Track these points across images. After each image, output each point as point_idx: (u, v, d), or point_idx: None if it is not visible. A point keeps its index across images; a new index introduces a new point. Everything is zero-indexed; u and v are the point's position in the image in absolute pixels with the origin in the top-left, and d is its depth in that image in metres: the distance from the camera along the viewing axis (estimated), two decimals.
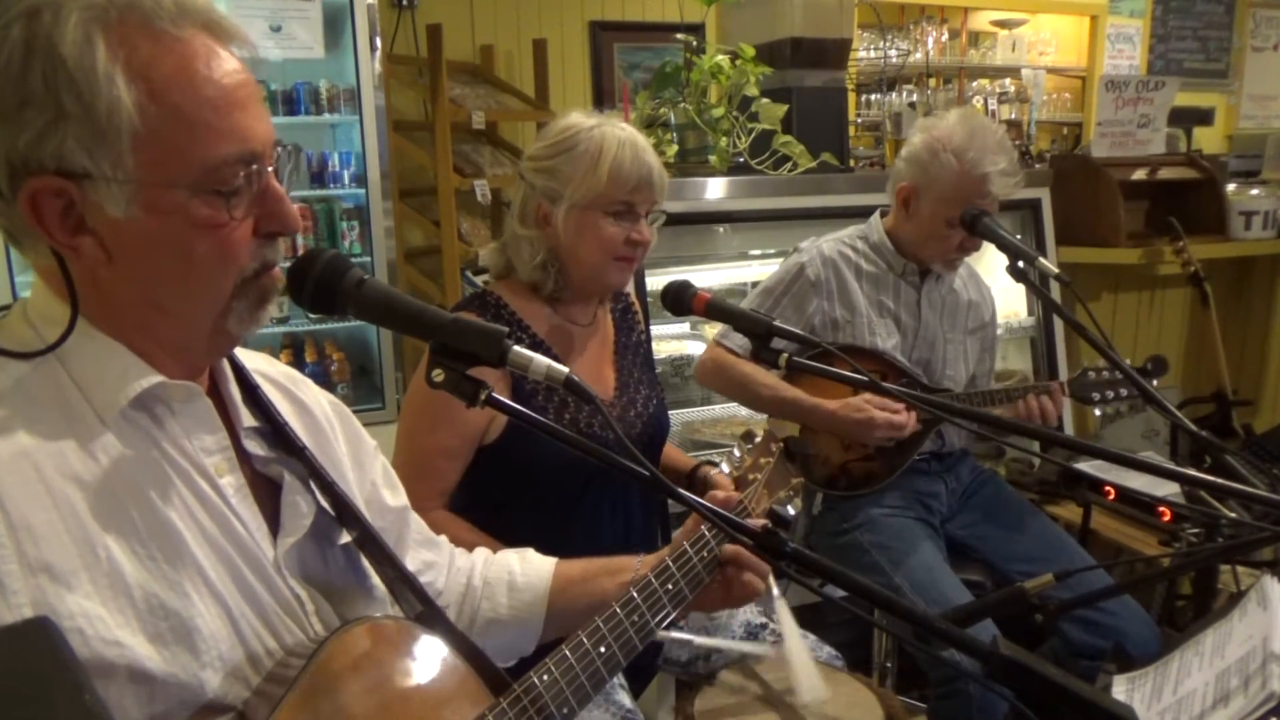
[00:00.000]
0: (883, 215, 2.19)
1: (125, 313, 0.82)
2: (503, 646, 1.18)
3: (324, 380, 3.85)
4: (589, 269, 1.58)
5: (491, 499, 1.55)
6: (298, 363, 3.88)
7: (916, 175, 2.05)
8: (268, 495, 0.91)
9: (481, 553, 1.24)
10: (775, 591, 1.54)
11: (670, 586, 1.10)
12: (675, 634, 1.37)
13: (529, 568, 1.21)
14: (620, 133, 1.54)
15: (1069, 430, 3.10)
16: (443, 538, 1.21)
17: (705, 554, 1.16)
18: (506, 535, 1.32)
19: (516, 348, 0.86)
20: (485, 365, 0.86)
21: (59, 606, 0.72)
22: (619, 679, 1.49)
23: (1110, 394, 2.08)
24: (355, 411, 1.10)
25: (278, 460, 0.92)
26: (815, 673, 1.37)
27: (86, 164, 0.75)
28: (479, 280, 2.44)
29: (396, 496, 1.11)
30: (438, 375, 0.86)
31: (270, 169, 0.83)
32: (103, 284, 0.80)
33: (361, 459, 1.06)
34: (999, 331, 2.50)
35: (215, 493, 0.85)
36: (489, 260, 1.68)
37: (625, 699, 1.47)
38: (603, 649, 1.00)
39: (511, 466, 1.53)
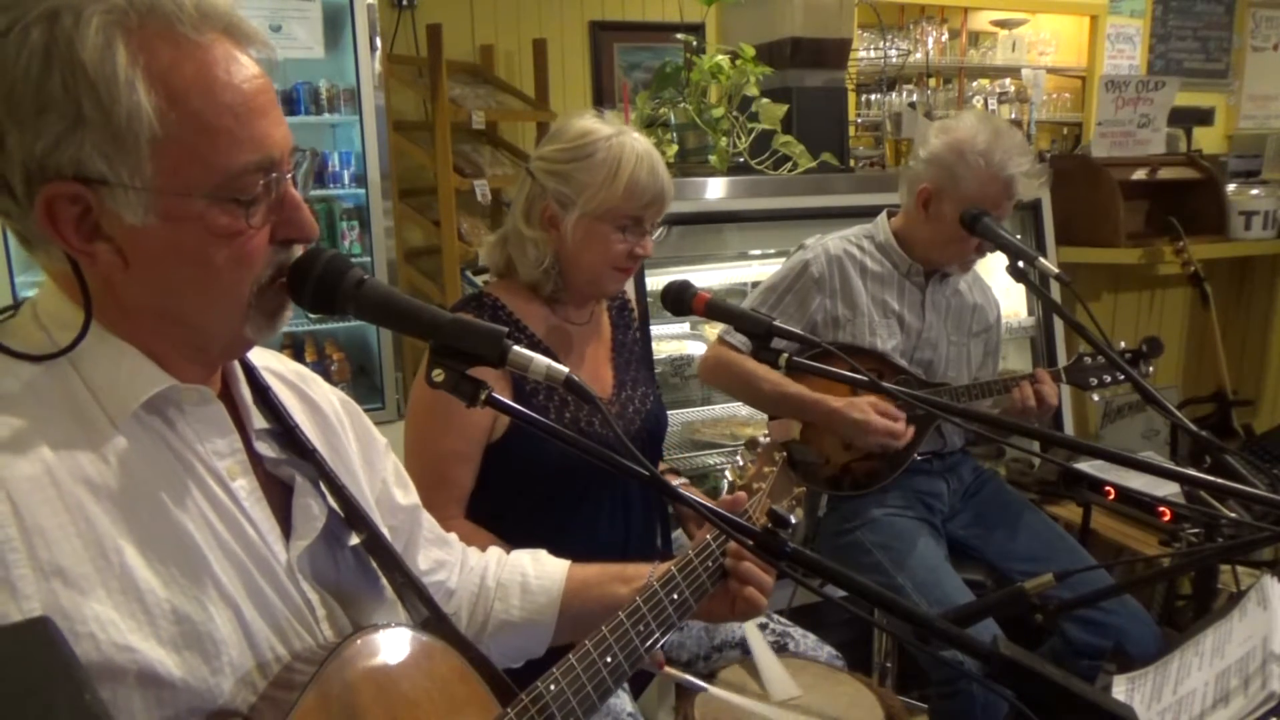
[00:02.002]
0: (890, 215, 2.19)
1: (139, 317, 0.81)
2: (514, 648, 1.18)
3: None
4: (588, 276, 1.58)
5: (491, 498, 1.55)
6: (297, 362, 3.89)
7: (939, 177, 2.02)
8: (279, 497, 0.90)
9: (494, 553, 1.24)
10: None
11: (675, 596, 1.10)
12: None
13: (542, 570, 1.20)
14: (638, 145, 1.54)
15: (1069, 430, 3.10)
16: (453, 536, 1.20)
17: (711, 563, 1.15)
18: (505, 535, 1.31)
19: (516, 348, 0.86)
20: (485, 365, 0.85)
21: (71, 611, 0.71)
22: None
23: (1108, 378, 2.08)
24: None
25: (288, 462, 0.92)
26: (783, 671, 1.43)
27: (104, 170, 0.74)
28: (479, 280, 2.44)
29: (408, 495, 1.11)
30: (438, 375, 0.85)
31: (289, 175, 0.83)
32: (117, 289, 0.79)
33: (372, 458, 1.06)
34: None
35: (228, 496, 0.85)
36: (488, 255, 1.67)
37: (626, 701, 1.47)
38: (609, 659, 1.00)
39: (513, 466, 1.53)
